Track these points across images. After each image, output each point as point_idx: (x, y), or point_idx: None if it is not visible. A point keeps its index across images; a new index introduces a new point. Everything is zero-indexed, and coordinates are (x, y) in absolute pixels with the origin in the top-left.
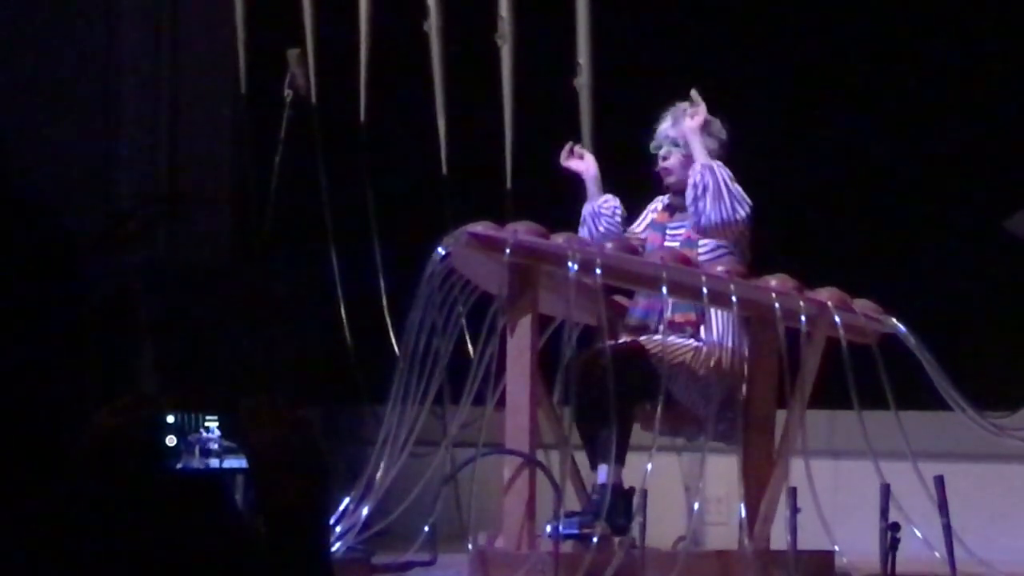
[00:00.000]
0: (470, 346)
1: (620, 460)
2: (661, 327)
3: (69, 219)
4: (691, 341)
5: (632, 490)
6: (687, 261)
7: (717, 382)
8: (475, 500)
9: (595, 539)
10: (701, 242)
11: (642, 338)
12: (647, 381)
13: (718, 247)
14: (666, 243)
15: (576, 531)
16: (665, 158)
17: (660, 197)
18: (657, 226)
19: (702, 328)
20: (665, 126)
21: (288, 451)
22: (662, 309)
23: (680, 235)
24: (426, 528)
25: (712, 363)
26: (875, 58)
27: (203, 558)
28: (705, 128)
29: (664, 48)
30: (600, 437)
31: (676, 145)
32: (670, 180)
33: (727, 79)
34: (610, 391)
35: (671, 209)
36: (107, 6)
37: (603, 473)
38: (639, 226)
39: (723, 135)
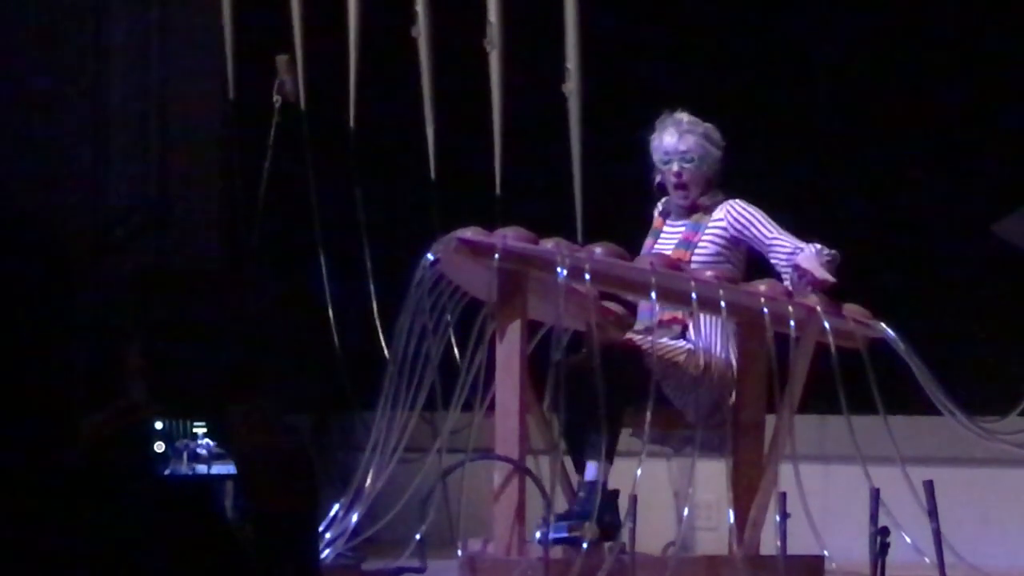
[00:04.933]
0: (457, 352)
1: (609, 459)
2: (652, 327)
3: (59, 225)
4: (682, 343)
5: (616, 492)
6: (676, 266)
7: (707, 384)
8: (465, 506)
9: (585, 545)
10: (700, 245)
11: (636, 337)
12: (638, 379)
13: (717, 254)
14: (658, 244)
15: (566, 536)
16: (679, 174)
17: (660, 202)
18: (654, 232)
19: (690, 327)
20: (672, 141)
21: (277, 457)
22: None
23: (675, 236)
24: (417, 536)
25: (702, 365)
26: (867, 60)
27: (191, 563)
28: (708, 140)
29: (652, 53)
30: (589, 437)
31: (689, 160)
32: (685, 195)
33: (715, 82)
34: (600, 389)
35: (666, 214)
36: (95, 12)
37: (591, 471)
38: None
39: (722, 144)
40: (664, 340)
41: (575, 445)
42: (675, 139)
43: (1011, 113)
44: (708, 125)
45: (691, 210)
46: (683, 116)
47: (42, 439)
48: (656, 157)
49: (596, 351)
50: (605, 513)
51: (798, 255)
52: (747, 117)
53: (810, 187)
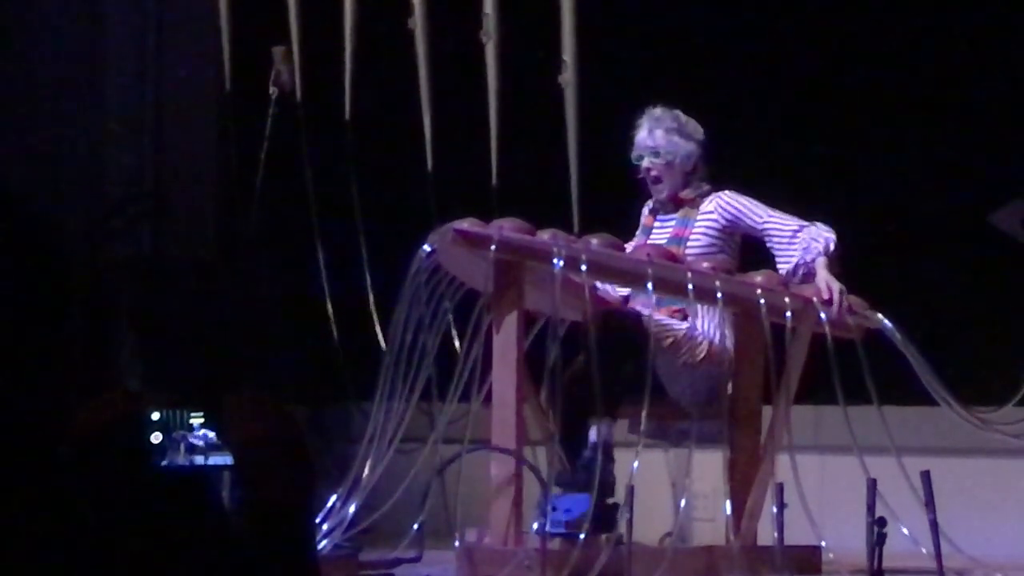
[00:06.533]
0: (456, 343)
1: (611, 415)
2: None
3: (55, 215)
4: (683, 324)
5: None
6: (673, 257)
7: (704, 372)
8: (462, 497)
9: (582, 536)
10: (692, 239)
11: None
12: (636, 342)
13: (710, 245)
14: (650, 240)
15: (563, 529)
16: (649, 169)
17: (649, 201)
18: (645, 229)
19: (688, 320)
20: (642, 135)
21: (273, 446)
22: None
23: (666, 232)
24: (415, 526)
25: (700, 352)
26: (861, 51)
27: (188, 555)
28: (679, 133)
29: (649, 45)
30: (585, 424)
31: (656, 155)
32: (660, 189)
33: (710, 73)
34: (594, 354)
35: (655, 212)
36: (93, 2)
37: (594, 432)
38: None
39: (699, 135)
40: (664, 319)
41: (569, 434)
42: (645, 134)
43: (1007, 103)
44: (684, 118)
45: (677, 205)
46: (656, 111)
47: (36, 429)
48: (633, 154)
49: (593, 346)
50: (607, 475)
51: (819, 260)
52: (744, 109)
53: (806, 178)
